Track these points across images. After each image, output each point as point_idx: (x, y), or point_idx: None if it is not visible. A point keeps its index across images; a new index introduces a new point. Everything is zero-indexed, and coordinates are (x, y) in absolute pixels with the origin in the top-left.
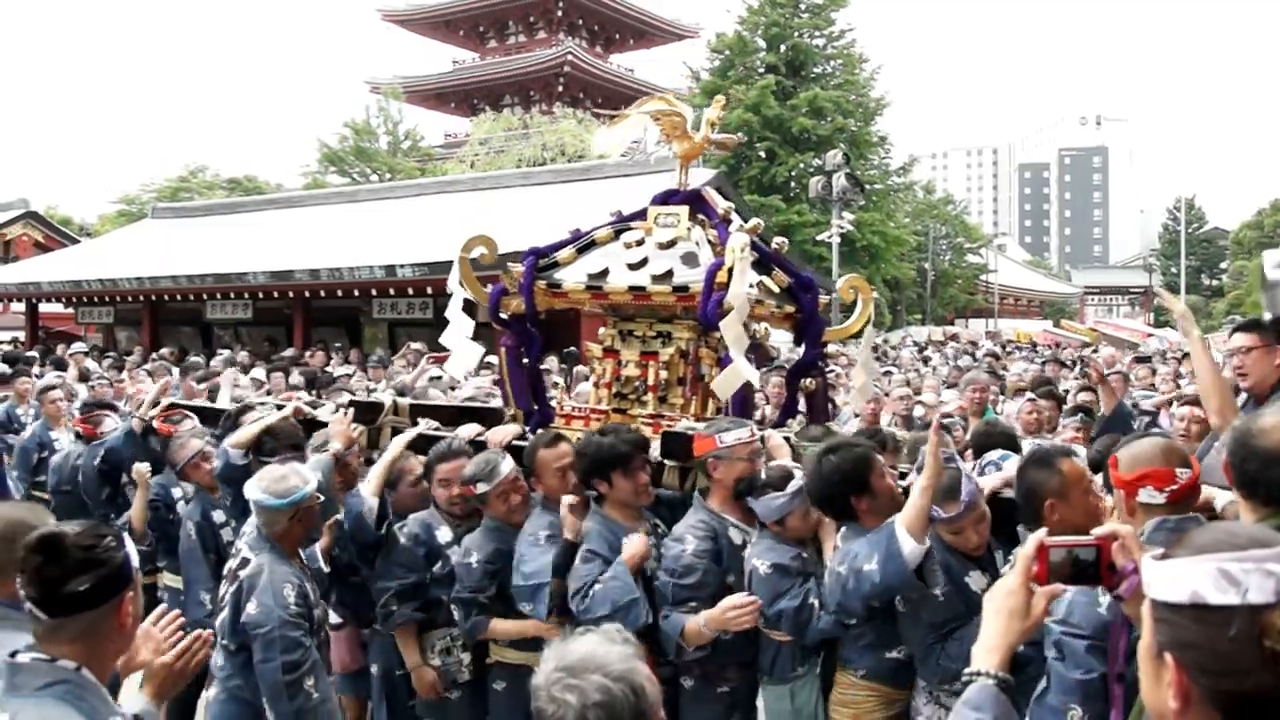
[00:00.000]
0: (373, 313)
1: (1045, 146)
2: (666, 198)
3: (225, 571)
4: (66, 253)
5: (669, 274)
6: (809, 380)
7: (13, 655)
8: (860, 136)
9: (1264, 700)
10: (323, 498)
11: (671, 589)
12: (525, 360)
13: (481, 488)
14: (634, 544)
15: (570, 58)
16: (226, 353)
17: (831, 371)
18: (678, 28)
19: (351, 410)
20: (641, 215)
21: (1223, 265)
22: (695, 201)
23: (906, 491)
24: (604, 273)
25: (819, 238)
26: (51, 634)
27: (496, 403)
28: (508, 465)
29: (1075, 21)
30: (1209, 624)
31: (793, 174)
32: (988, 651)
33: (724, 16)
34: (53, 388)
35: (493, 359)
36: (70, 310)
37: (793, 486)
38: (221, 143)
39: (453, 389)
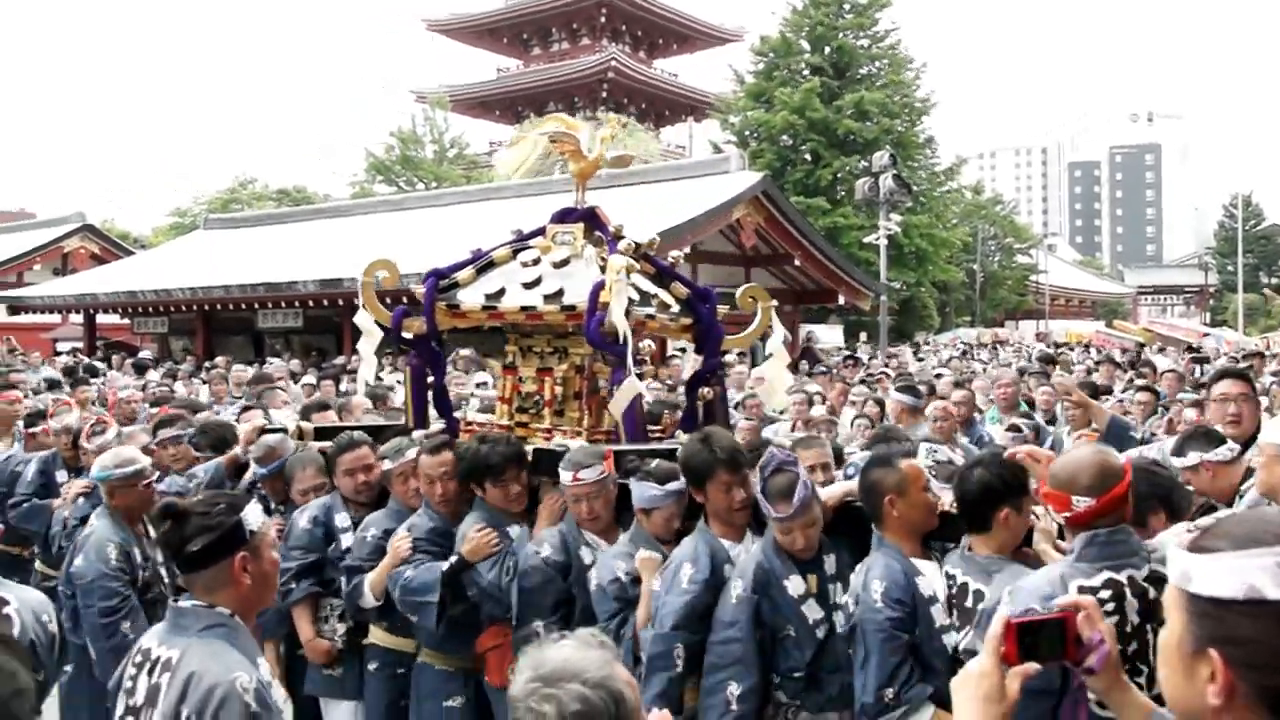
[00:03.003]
0: None
1: (1095, 144)
2: (564, 216)
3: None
4: (122, 264)
5: (559, 293)
6: (706, 390)
7: (175, 600)
8: (906, 138)
9: None
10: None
11: (518, 595)
12: (430, 379)
13: (386, 464)
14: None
15: (614, 64)
16: (278, 361)
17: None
18: (721, 31)
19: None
20: (541, 233)
21: None
22: (590, 220)
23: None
24: (500, 292)
25: (866, 240)
26: (203, 588)
27: None
28: (414, 452)
29: (1126, 16)
30: (1264, 619)
31: (838, 176)
32: None
33: (767, 19)
34: None
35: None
36: (126, 321)
37: (672, 486)
38: (270, 154)
39: (382, 400)
